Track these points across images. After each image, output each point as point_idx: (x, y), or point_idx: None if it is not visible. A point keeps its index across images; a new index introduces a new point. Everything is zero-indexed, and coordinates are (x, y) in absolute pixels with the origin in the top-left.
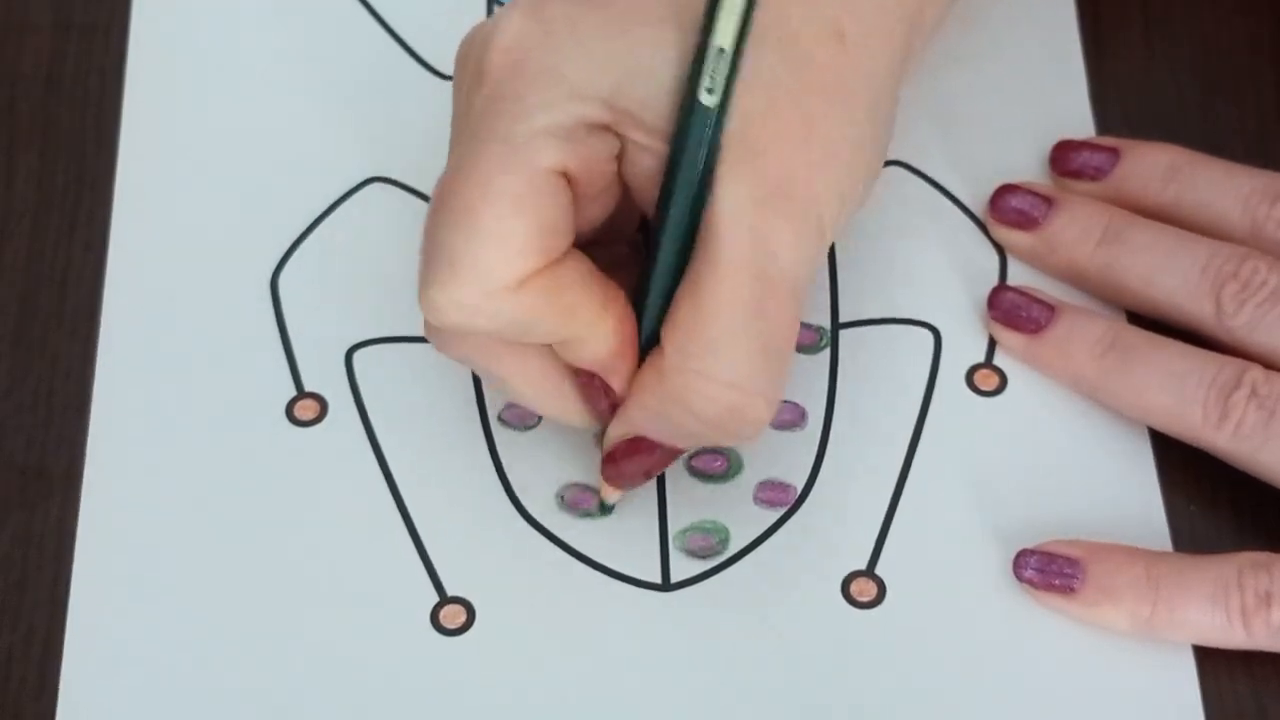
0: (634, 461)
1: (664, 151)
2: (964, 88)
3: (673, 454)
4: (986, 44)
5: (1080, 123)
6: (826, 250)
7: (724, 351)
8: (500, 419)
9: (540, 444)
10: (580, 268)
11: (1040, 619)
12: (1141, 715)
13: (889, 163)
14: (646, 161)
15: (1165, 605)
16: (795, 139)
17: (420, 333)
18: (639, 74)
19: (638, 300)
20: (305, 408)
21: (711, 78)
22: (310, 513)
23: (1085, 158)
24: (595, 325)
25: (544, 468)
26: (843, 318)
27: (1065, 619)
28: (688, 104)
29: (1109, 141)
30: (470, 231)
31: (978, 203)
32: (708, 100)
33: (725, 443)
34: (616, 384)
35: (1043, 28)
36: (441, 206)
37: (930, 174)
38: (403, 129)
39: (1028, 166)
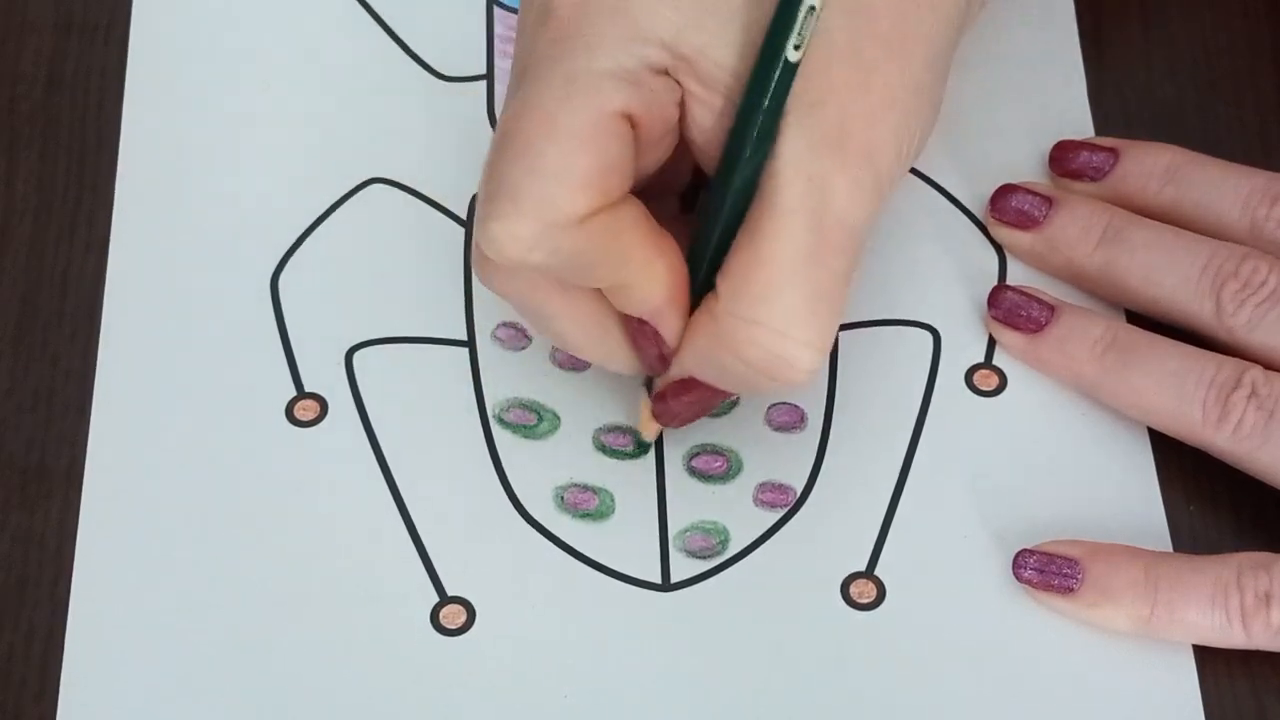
0: (682, 401)
1: (718, 104)
2: (964, 88)
3: (721, 395)
4: (986, 44)
5: (1079, 123)
6: (885, 200)
7: (776, 298)
8: (500, 419)
9: (540, 444)
10: (636, 212)
11: (1040, 619)
12: (1141, 715)
13: None
14: (699, 112)
15: (1164, 606)
16: (854, 87)
17: (420, 333)
18: (703, 18)
19: (695, 250)
20: (305, 408)
21: (799, 35)
22: (310, 513)
23: (1084, 158)
24: (647, 270)
25: (544, 468)
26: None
27: (1065, 619)
28: (769, 59)
29: (1108, 142)
30: (533, 166)
31: (977, 203)
32: (794, 57)
33: (772, 389)
34: (666, 332)
35: (1042, 28)
36: (505, 142)
37: (930, 174)
38: (403, 129)
39: (1027, 166)
